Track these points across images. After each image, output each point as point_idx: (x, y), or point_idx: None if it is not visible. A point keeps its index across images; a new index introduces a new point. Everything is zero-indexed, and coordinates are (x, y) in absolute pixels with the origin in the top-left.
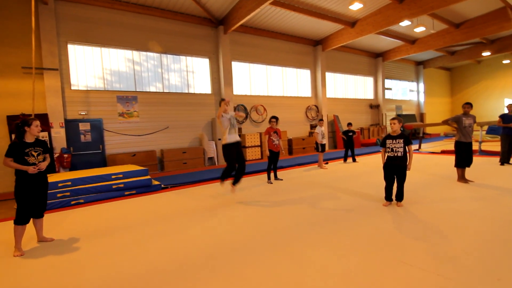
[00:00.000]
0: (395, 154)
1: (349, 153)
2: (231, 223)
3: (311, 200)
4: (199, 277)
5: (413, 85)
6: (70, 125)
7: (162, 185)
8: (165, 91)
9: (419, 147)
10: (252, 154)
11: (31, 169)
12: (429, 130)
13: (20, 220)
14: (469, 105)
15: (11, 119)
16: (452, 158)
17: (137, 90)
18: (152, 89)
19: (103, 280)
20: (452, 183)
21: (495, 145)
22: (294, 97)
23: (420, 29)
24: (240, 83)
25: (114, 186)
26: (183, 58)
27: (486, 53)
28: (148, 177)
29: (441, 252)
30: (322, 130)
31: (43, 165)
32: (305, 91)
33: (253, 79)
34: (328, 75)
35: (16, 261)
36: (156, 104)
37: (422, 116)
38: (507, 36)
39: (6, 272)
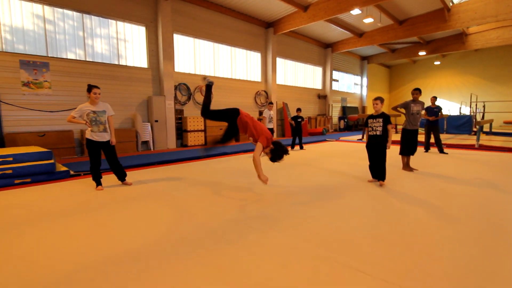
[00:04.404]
0: (375, 133)
1: (297, 140)
2: (120, 227)
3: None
4: None
5: (357, 79)
6: None
7: (72, 172)
8: (88, 59)
9: (362, 137)
10: (194, 140)
11: None
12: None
13: None
14: (417, 91)
15: None
16: (395, 148)
17: (50, 55)
18: (71, 56)
19: None
20: (398, 171)
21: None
22: (243, 80)
23: (368, 20)
24: (183, 60)
25: None
26: (112, 22)
27: (422, 53)
28: (51, 161)
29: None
30: (271, 114)
31: None
32: (255, 75)
33: (198, 57)
34: (279, 61)
35: None
36: (76, 74)
37: (364, 109)
38: (440, 38)
39: None
